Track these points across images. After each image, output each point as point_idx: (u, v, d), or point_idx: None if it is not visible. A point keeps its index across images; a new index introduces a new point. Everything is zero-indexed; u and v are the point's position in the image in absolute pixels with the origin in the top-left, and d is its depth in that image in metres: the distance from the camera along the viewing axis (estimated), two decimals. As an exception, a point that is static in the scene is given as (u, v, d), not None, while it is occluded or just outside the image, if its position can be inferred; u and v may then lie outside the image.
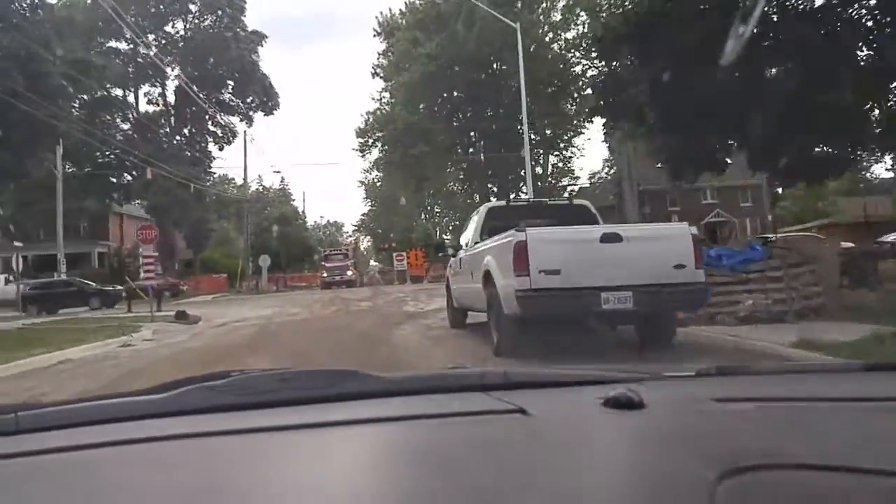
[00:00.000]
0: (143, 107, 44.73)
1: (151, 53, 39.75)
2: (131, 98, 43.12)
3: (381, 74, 49.74)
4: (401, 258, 43.10)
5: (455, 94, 43.02)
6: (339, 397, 1.16)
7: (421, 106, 43.00)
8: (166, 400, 1.13)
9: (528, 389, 1.23)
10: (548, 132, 45.72)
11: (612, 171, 49.28)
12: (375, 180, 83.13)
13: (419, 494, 0.75)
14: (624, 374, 1.35)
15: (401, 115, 42.18)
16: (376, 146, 47.96)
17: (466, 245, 10.12)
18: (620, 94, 13.09)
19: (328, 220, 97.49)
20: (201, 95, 40.49)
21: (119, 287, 27.52)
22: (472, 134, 46.67)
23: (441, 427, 1.03)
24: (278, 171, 44.54)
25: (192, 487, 0.82)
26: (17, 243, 29.73)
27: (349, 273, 42.91)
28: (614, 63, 13.93)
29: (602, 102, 14.68)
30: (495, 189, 53.03)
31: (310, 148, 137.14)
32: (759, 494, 0.71)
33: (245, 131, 44.76)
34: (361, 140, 47.85)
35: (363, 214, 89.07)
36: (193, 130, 44.58)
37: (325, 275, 43.07)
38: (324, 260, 44.84)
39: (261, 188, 67.14)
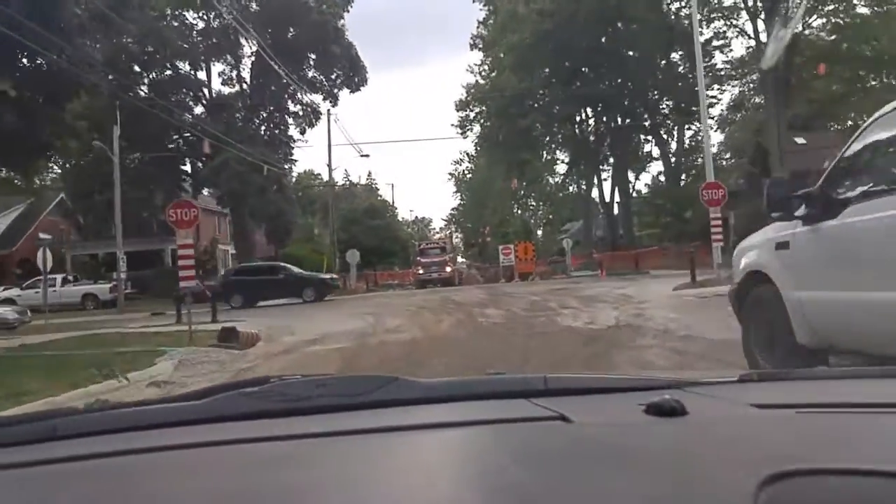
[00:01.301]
0: (217, 87, 40.39)
1: (224, 20, 34.96)
2: (202, 75, 38.64)
3: (481, 45, 43.59)
4: (508, 252, 37.00)
5: (572, 58, 36.23)
6: (378, 404, 1.14)
7: (532, 73, 36.40)
8: (203, 406, 1.13)
9: (569, 396, 1.21)
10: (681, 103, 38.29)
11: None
12: (466, 171, 78.54)
13: (460, 502, 0.75)
14: (665, 381, 1.33)
15: (510, 82, 35.74)
16: (479, 121, 41.59)
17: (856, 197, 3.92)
18: None
19: (416, 216, 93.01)
20: (279, 70, 35.58)
21: (335, 276, 26.15)
22: (588, 108, 39.84)
23: (481, 434, 1.02)
24: (366, 155, 38.75)
25: (228, 495, 0.81)
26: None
27: (447, 269, 37.38)
28: None
29: None
30: (607, 171, 46.13)
31: (398, 131, 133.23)
32: (802, 501, 0.71)
33: (329, 110, 39.66)
34: (462, 114, 41.63)
35: (453, 209, 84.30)
36: (272, 110, 39.79)
37: (420, 271, 37.79)
38: (419, 255, 39.40)
39: (347, 181, 63.04)
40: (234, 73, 39.53)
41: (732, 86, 40.12)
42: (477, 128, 42.08)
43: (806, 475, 0.73)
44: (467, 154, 74.06)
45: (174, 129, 34.96)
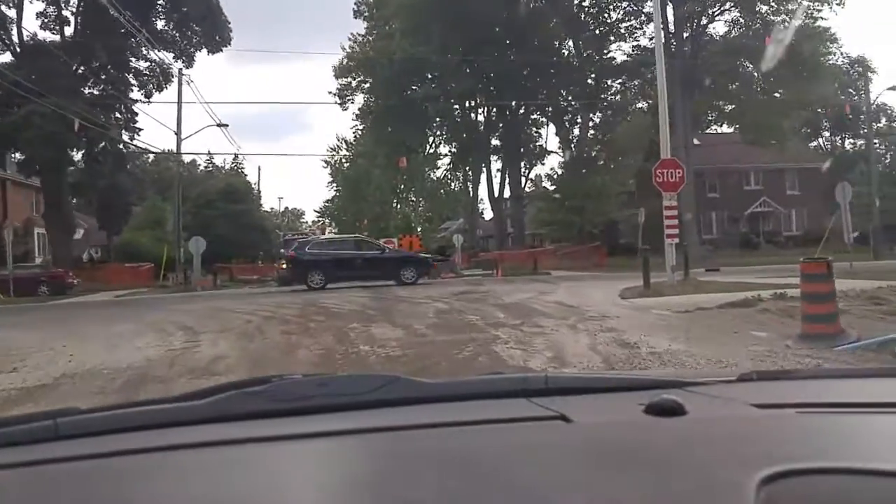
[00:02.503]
0: (34, 29, 32.40)
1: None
2: (13, 13, 30.59)
3: (366, 13, 38.01)
4: (390, 246, 31.91)
5: (470, 29, 31.46)
6: (379, 403, 1.14)
7: (426, 38, 31.19)
8: (205, 406, 1.12)
9: (569, 395, 1.21)
10: (589, 81, 34.63)
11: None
12: (344, 160, 72.76)
13: (460, 501, 0.75)
14: (665, 380, 1.35)
15: (401, 47, 30.42)
16: (362, 90, 35.79)
17: None
18: None
19: (287, 207, 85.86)
20: (116, 14, 28.46)
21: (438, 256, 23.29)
22: (483, 88, 35.32)
23: (482, 433, 1.02)
24: (225, 125, 31.88)
25: (232, 494, 0.81)
26: None
27: (316, 263, 31.69)
28: None
29: None
30: (498, 163, 42.12)
31: (270, 111, 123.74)
32: (802, 500, 0.72)
33: (181, 70, 32.79)
34: (342, 81, 35.58)
35: (327, 201, 78.21)
36: (108, 66, 32.37)
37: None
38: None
39: (210, 163, 55.06)
40: (55, 14, 31.77)
41: (631, 79, 37.32)
42: (360, 99, 36.26)
43: (806, 474, 0.73)
44: (345, 141, 68.61)
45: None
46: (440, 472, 0.86)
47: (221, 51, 35.04)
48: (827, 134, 59.21)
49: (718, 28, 38.26)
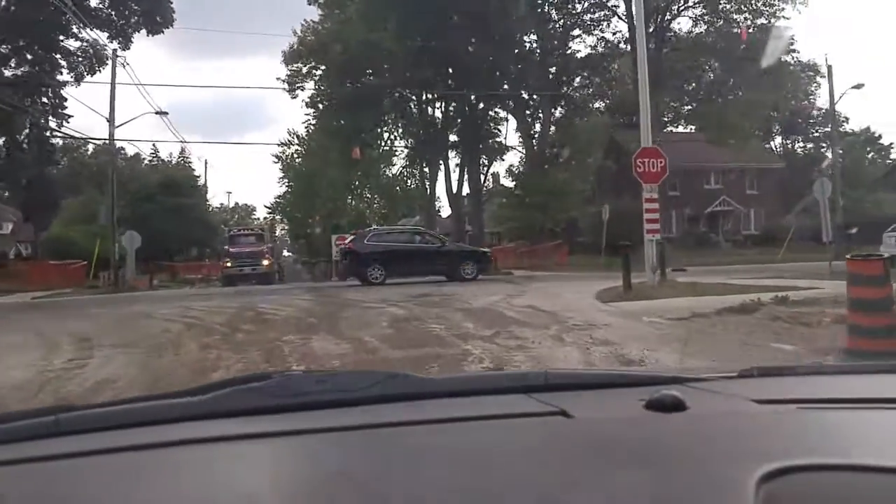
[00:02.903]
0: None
1: None
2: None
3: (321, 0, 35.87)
4: (344, 243, 30.15)
5: (430, 14, 29.72)
6: (379, 399, 1.14)
7: (384, 23, 29.23)
8: (208, 402, 1.12)
9: (569, 391, 1.21)
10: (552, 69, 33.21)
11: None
12: (296, 154, 70.21)
13: (462, 496, 0.76)
14: (665, 376, 1.34)
15: (357, 33, 28.39)
16: (313, 77, 33.52)
17: None
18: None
19: (237, 203, 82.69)
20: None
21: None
22: (441, 78, 33.67)
23: (483, 429, 1.02)
24: (165, 112, 29.35)
25: (230, 491, 0.81)
26: None
27: (265, 262, 29.72)
28: None
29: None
30: (456, 160, 40.59)
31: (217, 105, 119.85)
32: (801, 496, 0.72)
33: (115, 51, 30.31)
34: (292, 67, 33.22)
35: (278, 196, 75.58)
36: (33, 44, 29.70)
37: (228, 264, 29.82)
38: (228, 242, 31.23)
39: (155, 156, 51.98)
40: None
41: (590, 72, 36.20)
42: (311, 87, 34.02)
43: (806, 471, 0.73)
44: (296, 135, 66.19)
45: None
46: (440, 467, 0.86)
47: (163, 32, 32.63)
48: (779, 138, 59.56)
49: (683, 25, 37.61)
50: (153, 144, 66.14)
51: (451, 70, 32.16)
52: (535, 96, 33.59)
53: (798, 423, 1.02)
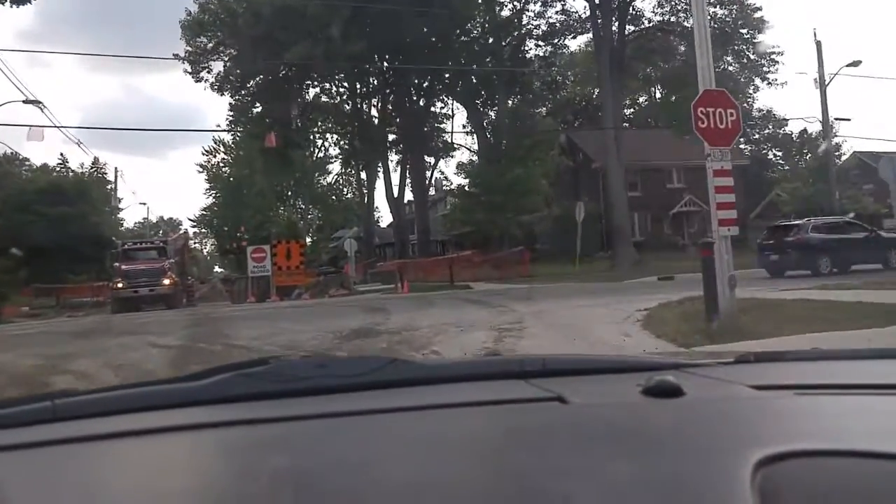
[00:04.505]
0: None
1: None
2: None
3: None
4: (261, 256, 24.69)
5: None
6: (377, 385, 1.14)
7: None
8: (205, 387, 1.11)
9: (566, 377, 1.21)
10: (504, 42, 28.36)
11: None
12: (222, 164, 64.23)
13: (458, 482, 0.76)
14: (663, 362, 1.34)
15: None
16: (221, 52, 27.54)
17: None
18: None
19: (161, 217, 75.54)
20: None
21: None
22: (379, 61, 28.52)
23: (480, 415, 1.03)
24: (38, 102, 23.45)
25: (228, 475, 0.82)
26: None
27: (165, 281, 24.08)
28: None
29: None
30: (396, 160, 35.59)
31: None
32: (798, 482, 0.72)
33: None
34: (194, 42, 27.07)
35: (204, 209, 69.17)
36: None
37: (119, 284, 24.10)
38: (120, 259, 25.30)
39: (63, 167, 44.90)
40: None
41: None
42: (218, 69, 28.06)
43: (803, 456, 0.74)
44: (222, 143, 60.25)
45: None
46: (438, 453, 0.86)
47: (29, 2, 26.64)
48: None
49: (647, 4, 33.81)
50: (61, 154, 58.77)
51: (388, 46, 26.90)
52: (488, 81, 28.79)
53: (795, 408, 1.02)
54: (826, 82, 22.67)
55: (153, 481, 0.80)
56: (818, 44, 23.38)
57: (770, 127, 53.33)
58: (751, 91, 45.15)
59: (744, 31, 27.91)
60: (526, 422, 0.97)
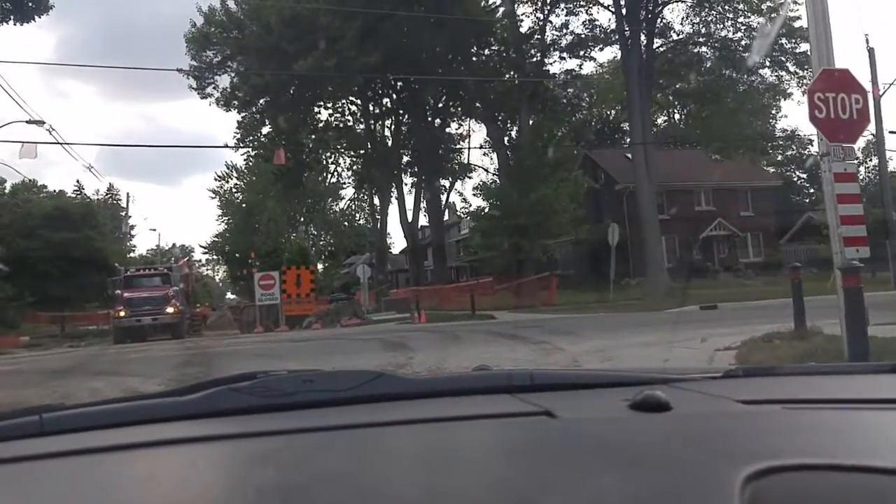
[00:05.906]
0: None
1: None
2: None
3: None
4: (269, 283, 23.33)
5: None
6: (365, 399, 1.15)
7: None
8: (193, 402, 1.11)
9: (554, 391, 1.21)
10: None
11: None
12: (234, 189, 63.40)
13: (446, 497, 0.76)
14: (650, 376, 1.33)
15: (283, 3, 21.47)
16: (228, 66, 26.25)
17: None
18: None
19: (174, 244, 74.81)
20: None
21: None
22: (393, 78, 27.23)
23: (467, 429, 1.02)
24: (41, 122, 22.36)
25: (216, 490, 0.82)
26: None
27: (169, 310, 22.87)
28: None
29: None
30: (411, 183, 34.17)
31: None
32: (787, 497, 0.72)
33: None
34: (200, 56, 25.81)
35: (216, 236, 68.27)
36: None
37: (121, 313, 22.90)
38: (122, 286, 23.98)
39: (79, 193, 43.96)
40: None
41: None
42: (225, 83, 26.74)
43: (791, 471, 0.73)
44: (234, 168, 59.40)
45: None
46: (424, 468, 0.86)
47: (34, 20, 25.66)
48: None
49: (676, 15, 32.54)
50: (77, 181, 58.15)
51: (401, 61, 25.53)
52: (509, 96, 27.35)
53: (783, 423, 1.01)
54: (881, 92, 20.99)
55: (141, 496, 0.80)
56: (870, 51, 21.69)
57: (793, 147, 51.77)
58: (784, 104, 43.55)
59: (783, 40, 26.31)
60: (514, 436, 0.96)
